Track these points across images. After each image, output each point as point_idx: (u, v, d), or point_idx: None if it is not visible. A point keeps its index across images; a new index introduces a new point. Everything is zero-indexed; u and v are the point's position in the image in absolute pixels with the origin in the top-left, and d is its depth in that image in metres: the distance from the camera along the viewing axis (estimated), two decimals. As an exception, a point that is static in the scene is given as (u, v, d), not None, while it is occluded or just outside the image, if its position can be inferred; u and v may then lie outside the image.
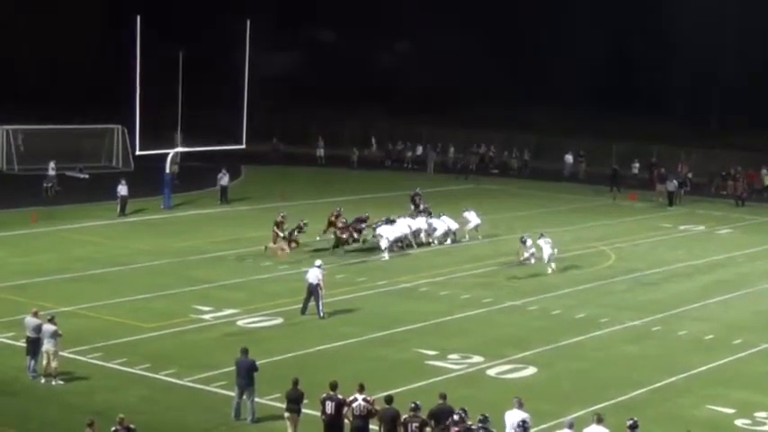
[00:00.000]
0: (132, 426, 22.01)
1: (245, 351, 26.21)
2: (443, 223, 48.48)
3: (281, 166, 73.98)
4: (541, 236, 44.04)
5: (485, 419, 21.92)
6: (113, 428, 21.85)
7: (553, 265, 43.03)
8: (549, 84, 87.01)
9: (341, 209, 47.19)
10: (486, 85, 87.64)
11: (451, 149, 78.03)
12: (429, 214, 49.53)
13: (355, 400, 23.20)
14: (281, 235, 44.49)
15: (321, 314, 35.36)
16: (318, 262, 36.79)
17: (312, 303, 35.42)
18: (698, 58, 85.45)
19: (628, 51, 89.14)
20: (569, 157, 75.57)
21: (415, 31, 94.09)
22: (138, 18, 50.59)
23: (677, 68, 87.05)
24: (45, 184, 58.54)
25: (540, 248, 43.21)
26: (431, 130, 79.75)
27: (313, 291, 35.32)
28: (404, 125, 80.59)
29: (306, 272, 36.42)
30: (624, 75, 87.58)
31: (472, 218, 49.43)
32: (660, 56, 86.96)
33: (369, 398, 23.26)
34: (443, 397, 23.13)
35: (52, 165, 59.89)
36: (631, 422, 22.07)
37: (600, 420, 22.28)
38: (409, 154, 78.16)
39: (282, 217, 45.29)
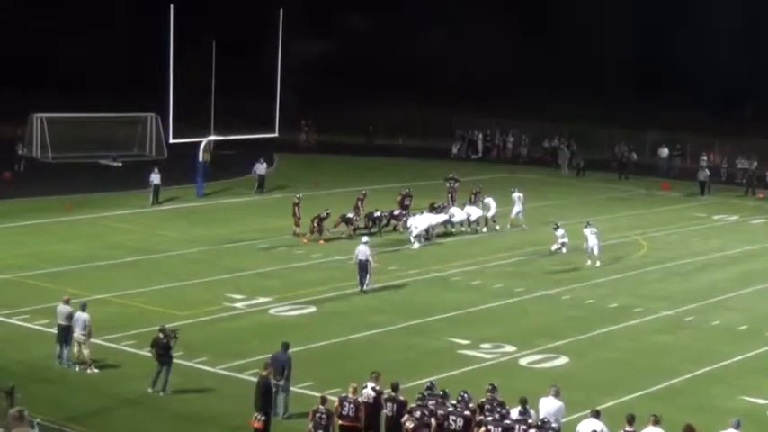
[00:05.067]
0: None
1: (284, 346, 25.71)
2: (463, 212, 48.61)
3: (313, 154, 74.05)
4: (587, 225, 43.70)
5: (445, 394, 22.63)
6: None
7: (598, 262, 42.50)
8: (581, 71, 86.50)
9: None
10: (519, 73, 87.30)
11: (479, 136, 78.03)
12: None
13: (365, 387, 23.21)
14: (298, 216, 45.41)
15: (365, 287, 36.63)
16: (365, 239, 38.14)
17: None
18: (732, 44, 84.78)
19: (661, 37, 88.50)
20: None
21: (448, 18, 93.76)
22: (172, 6, 50.72)
23: (711, 54, 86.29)
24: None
25: (585, 238, 42.98)
26: (463, 118, 79.54)
27: (363, 266, 36.56)
28: (436, 113, 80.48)
29: (355, 251, 37.19)
30: (657, 62, 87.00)
31: (517, 201, 49.39)
32: (694, 41, 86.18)
33: (377, 386, 23.16)
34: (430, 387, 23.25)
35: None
36: (628, 416, 21.88)
37: (657, 422, 21.90)
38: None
39: (299, 198, 46.10)
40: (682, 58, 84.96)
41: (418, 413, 22.01)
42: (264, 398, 23.62)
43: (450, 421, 21.86)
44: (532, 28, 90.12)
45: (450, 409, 22.05)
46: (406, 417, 22.27)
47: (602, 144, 75.62)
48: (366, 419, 22.80)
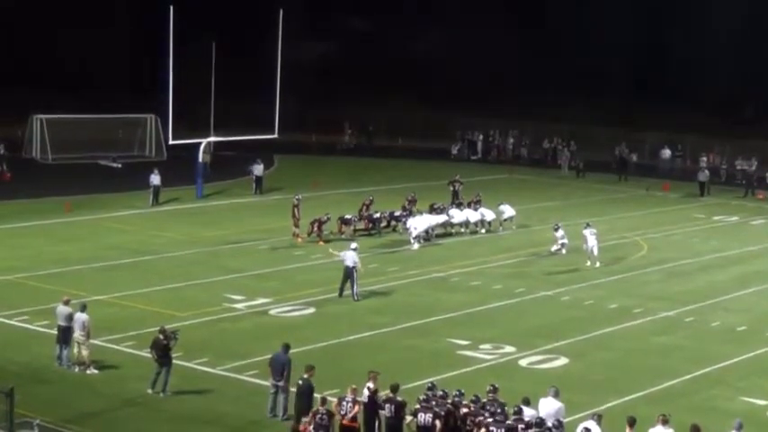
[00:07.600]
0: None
1: (285, 347, 25.67)
2: (462, 213, 48.54)
3: (313, 155, 74.05)
4: (587, 225, 43.69)
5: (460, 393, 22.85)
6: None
7: (597, 263, 42.48)
8: (581, 72, 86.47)
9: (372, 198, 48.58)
10: (519, 73, 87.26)
11: (480, 137, 78.16)
12: (459, 205, 49.99)
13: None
14: (298, 217, 45.18)
15: (356, 297, 36.04)
16: (354, 245, 37.64)
17: (346, 286, 36.25)
18: (732, 44, 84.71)
19: (660, 38, 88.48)
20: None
21: (447, 18, 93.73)
22: (172, 6, 50.70)
23: (711, 55, 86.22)
24: None
25: (584, 239, 42.96)
26: (463, 118, 79.54)
27: (349, 273, 36.04)
28: (436, 113, 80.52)
29: (342, 255, 36.73)
30: (657, 63, 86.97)
31: (507, 210, 49.40)
32: (694, 42, 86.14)
33: (372, 386, 23.10)
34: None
35: None
36: (629, 418, 21.90)
37: (665, 421, 21.91)
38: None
39: (298, 200, 45.87)
40: (682, 59, 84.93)
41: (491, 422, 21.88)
42: (308, 401, 23.69)
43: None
44: (532, 28, 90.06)
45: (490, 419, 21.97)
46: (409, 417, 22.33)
47: (602, 144, 75.58)
48: (364, 419, 22.80)
